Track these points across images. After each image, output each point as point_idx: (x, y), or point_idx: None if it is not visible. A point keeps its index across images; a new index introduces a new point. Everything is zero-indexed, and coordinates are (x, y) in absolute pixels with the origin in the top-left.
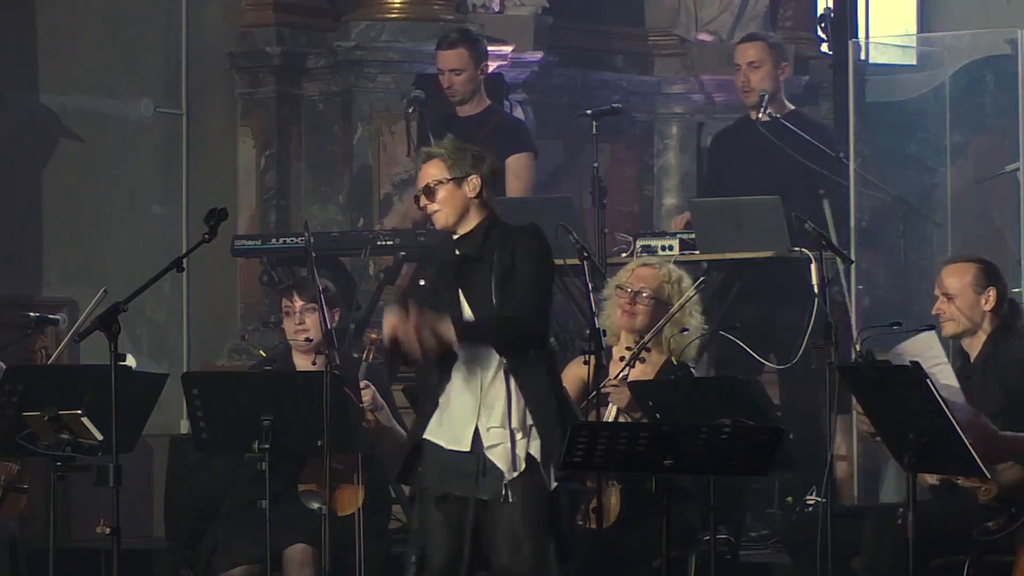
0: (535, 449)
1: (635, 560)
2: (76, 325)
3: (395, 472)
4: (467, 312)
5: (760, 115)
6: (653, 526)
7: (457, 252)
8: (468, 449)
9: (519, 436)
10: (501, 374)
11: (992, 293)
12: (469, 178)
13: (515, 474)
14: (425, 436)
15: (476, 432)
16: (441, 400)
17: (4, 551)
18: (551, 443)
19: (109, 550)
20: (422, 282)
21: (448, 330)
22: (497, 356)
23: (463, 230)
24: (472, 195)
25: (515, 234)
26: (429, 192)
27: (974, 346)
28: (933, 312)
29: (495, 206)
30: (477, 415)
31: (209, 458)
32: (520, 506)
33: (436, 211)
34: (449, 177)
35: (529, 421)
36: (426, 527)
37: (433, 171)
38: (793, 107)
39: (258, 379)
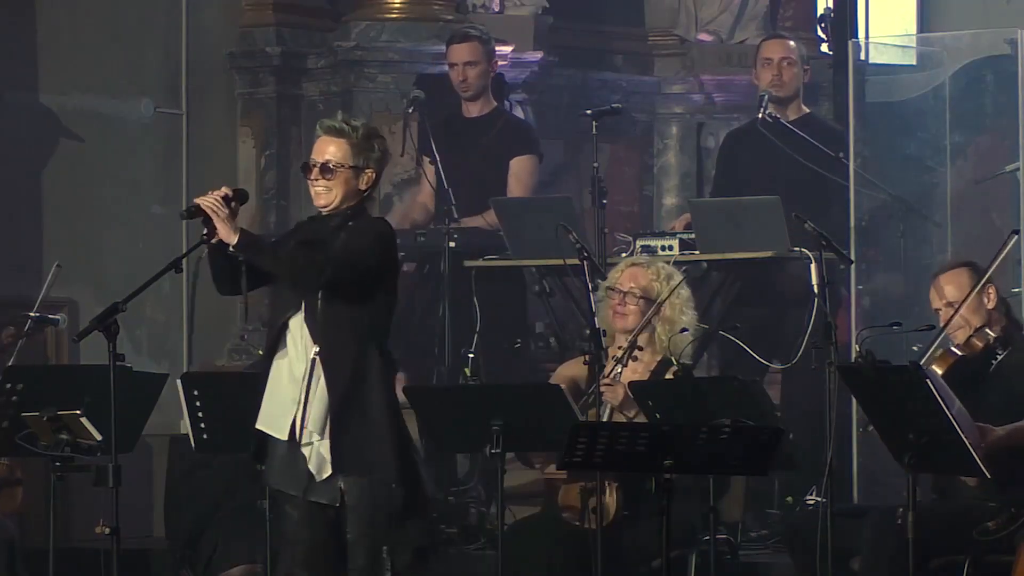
0: (325, 450)
1: (635, 560)
2: (39, 301)
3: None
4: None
5: (761, 115)
6: (653, 526)
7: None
8: (286, 438)
9: (318, 438)
10: (311, 366)
11: (992, 290)
12: (367, 171)
13: (324, 477)
14: (257, 425)
15: (295, 423)
16: (269, 387)
17: (2, 551)
18: (345, 448)
19: (109, 550)
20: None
21: (227, 228)
22: (314, 347)
23: (330, 212)
24: (363, 187)
25: (364, 223)
26: (327, 170)
27: (979, 347)
28: (941, 325)
29: (373, 201)
30: (298, 405)
31: (209, 458)
32: (351, 509)
33: (325, 189)
34: (351, 164)
35: (328, 422)
36: (280, 524)
37: (335, 151)
38: (808, 110)
39: (258, 379)
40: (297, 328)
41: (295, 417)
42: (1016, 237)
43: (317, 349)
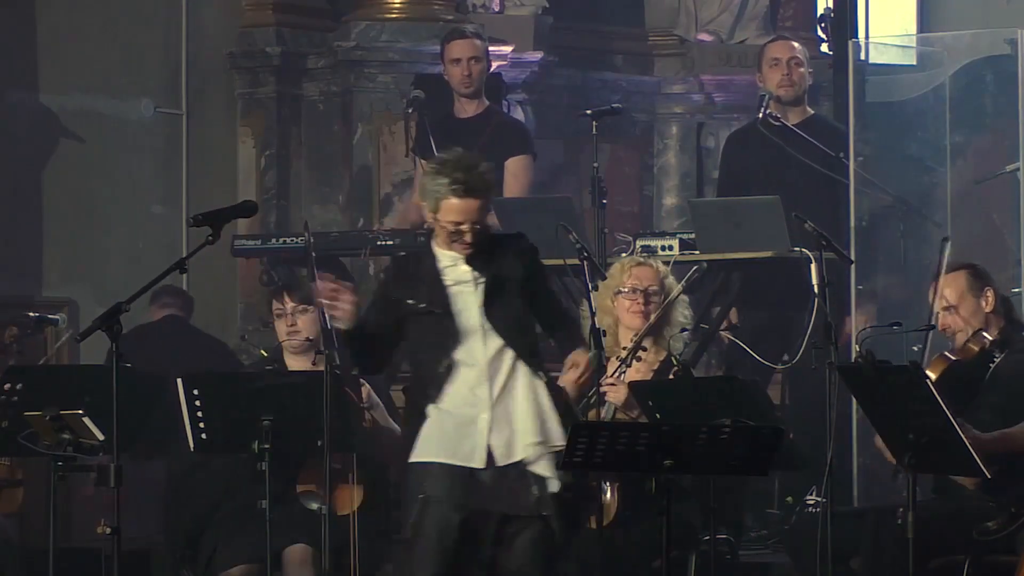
0: (549, 461)
1: (635, 560)
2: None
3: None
4: (475, 320)
5: (761, 115)
6: (653, 526)
7: (468, 274)
8: (483, 466)
9: (542, 449)
10: (506, 388)
11: (990, 293)
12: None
13: (556, 485)
14: (441, 459)
15: (491, 447)
16: (443, 423)
17: (2, 552)
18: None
19: (109, 550)
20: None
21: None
22: (507, 366)
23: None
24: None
25: (510, 243)
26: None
27: (974, 351)
28: (939, 329)
29: None
30: (489, 429)
31: (209, 458)
32: (564, 516)
33: (473, 245)
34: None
35: (549, 427)
36: (430, 533)
37: (480, 205)
38: (812, 111)
39: (258, 379)
40: (468, 357)
41: (490, 442)
42: (948, 243)
43: (514, 370)
